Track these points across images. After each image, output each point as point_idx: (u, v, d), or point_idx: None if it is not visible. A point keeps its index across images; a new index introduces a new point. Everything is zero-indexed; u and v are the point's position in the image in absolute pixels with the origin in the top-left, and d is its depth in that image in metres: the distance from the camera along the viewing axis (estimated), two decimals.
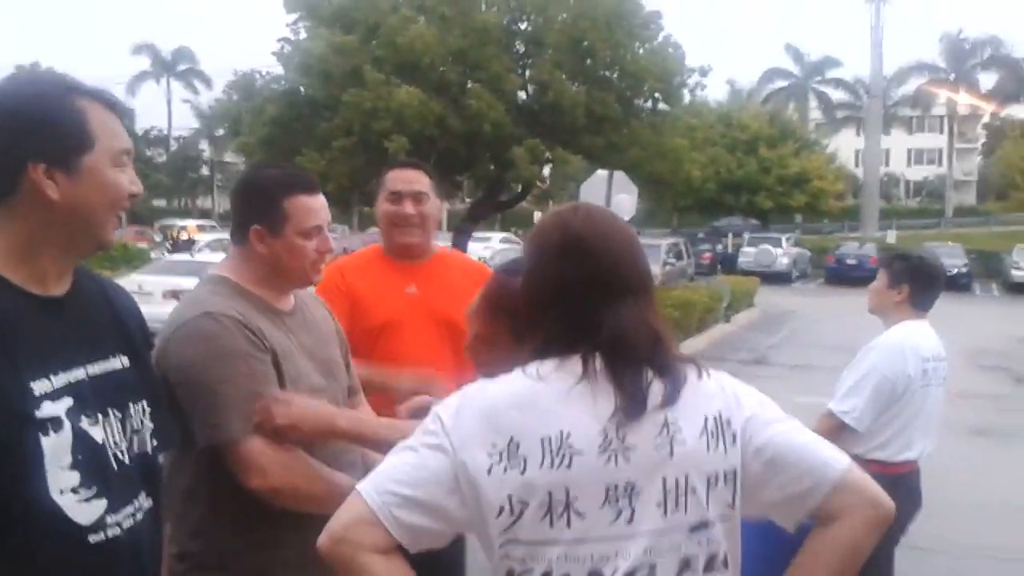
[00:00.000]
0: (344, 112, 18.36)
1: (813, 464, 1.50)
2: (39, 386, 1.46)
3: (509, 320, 1.98)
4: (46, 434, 1.45)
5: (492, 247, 30.91)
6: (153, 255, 22.23)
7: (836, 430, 3.37)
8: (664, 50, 20.26)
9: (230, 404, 2.02)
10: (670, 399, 1.47)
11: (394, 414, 2.37)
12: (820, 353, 14.22)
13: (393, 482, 1.44)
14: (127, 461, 1.61)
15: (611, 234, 1.57)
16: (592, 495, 1.43)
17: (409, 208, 2.99)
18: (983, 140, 67.83)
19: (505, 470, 1.43)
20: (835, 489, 1.48)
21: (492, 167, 19.97)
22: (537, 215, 42.00)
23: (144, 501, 1.65)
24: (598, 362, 1.48)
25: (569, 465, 1.42)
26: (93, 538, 1.51)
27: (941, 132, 64.46)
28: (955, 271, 28.10)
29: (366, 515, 1.42)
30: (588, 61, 19.72)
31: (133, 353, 1.70)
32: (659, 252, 22.70)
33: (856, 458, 1.64)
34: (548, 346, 1.52)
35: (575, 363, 1.48)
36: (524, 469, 1.42)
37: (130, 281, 12.11)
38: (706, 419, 1.49)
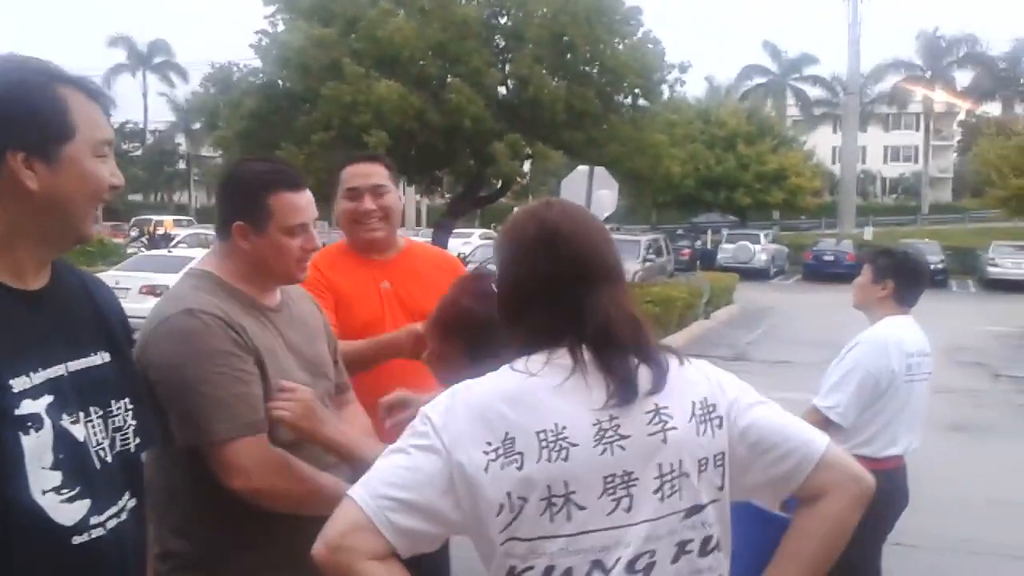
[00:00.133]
0: (323, 106, 18.23)
1: (796, 444, 1.53)
2: (18, 383, 1.41)
3: (461, 340, 2.01)
4: (26, 433, 1.41)
5: (472, 243, 30.89)
6: (129, 251, 22.03)
7: (821, 426, 3.34)
8: (644, 46, 20.26)
9: (211, 404, 1.98)
10: (657, 385, 1.49)
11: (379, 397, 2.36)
12: (799, 349, 14.30)
13: (387, 486, 1.41)
14: (110, 460, 1.57)
15: (585, 224, 1.59)
16: (590, 487, 1.43)
17: (369, 203, 2.90)
18: (959, 138, 68.39)
19: (502, 467, 1.41)
20: (818, 467, 1.52)
21: (472, 162, 19.90)
22: (516, 211, 41.94)
23: (128, 501, 1.61)
24: (586, 353, 1.48)
25: (566, 458, 1.42)
26: (76, 539, 1.47)
27: (917, 129, 65.02)
28: (932, 267, 28.24)
29: (361, 521, 1.39)
30: (568, 56, 19.67)
31: (114, 349, 1.66)
32: (639, 248, 22.72)
33: None
34: (533, 340, 1.52)
35: (563, 356, 1.49)
36: (521, 465, 1.41)
37: (107, 277, 11.97)
38: (693, 404, 1.51)
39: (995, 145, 37.30)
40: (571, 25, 18.82)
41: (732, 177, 38.33)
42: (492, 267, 1.79)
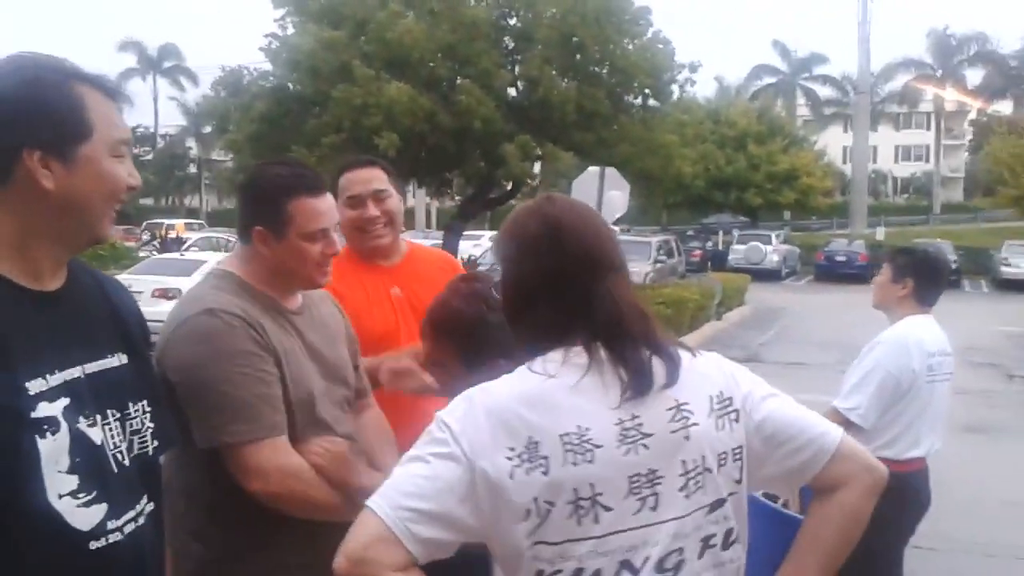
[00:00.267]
0: (333, 108, 18.22)
1: (811, 436, 1.54)
2: (34, 385, 1.39)
3: (452, 342, 2.00)
4: (42, 436, 1.38)
5: (482, 245, 30.86)
6: (141, 254, 22.10)
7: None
8: (654, 46, 20.20)
9: (231, 406, 1.96)
10: (672, 377, 1.48)
11: (403, 414, 2.32)
12: (812, 350, 14.26)
13: (406, 496, 1.38)
14: (127, 463, 1.55)
15: (587, 218, 1.58)
16: (616, 487, 1.41)
17: (372, 209, 2.81)
18: (970, 137, 68.05)
19: (527, 472, 1.39)
20: (833, 459, 1.53)
21: (482, 164, 19.87)
22: None
23: (146, 505, 1.59)
24: (599, 348, 1.47)
25: (591, 460, 1.40)
26: (94, 544, 1.45)
27: (928, 128, 64.74)
28: None
29: (383, 533, 1.36)
30: (578, 57, 19.62)
31: (132, 350, 1.64)
32: (649, 249, 22.67)
33: None
34: (544, 337, 1.50)
35: (578, 354, 1.47)
36: (547, 469, 1.39)
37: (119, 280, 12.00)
38: (710, 399, 1.51)
39: (1007, 144, 37.13)
40: (580, 26, 18.77)
41: (743, 177, 38.24)
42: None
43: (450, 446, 1.40)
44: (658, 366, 1.48)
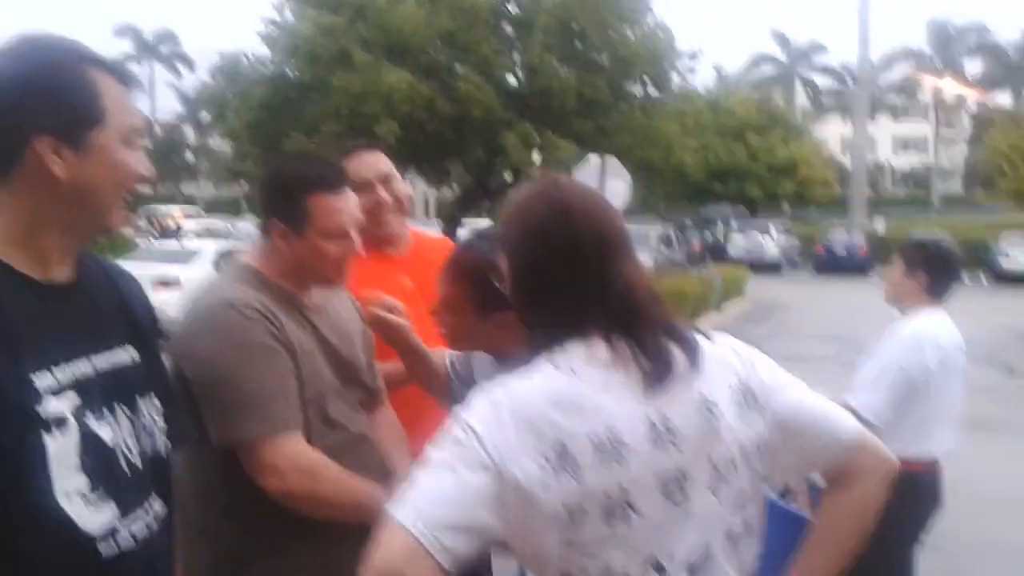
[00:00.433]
0: (332, 96, 18.15)
1: (828, 427, 1.52)
2: (41, 380, 1.34)
3: (470, 286, 1.94)
4: (49, 432, 1.33)
5: None
6: (139, 242, 22.01)
7: None
8: (654, 34, 20.15)
9: (249, 401, 1.92)
10: (693, 364, 1.44)
11: (415, 414, 2.29)
12: (813, 343, 14.24)
13: (437, 507, 1.31)
14: (138, 463, 1.49)
15: (594, 197, 1.54)
16: (647, 488, 1.37)
17: (383, 194, 2.72)
18: (969, 128, 68.02)
19: (558, 478, 1.33)
20: (849, 451, 1.51)
21: (481, 152, 19.82)
22: None
23: (157, 507, 1.54)
24: (618, 338, 1.42)
25: (622, 462, 1.35)
26: (103, 548, 1.39)
27: (926, 119, 64.69)
28: None
29: (415, 547, 1.28)
30: (578, 44, 19.55)
31: (142, 344, 1.58)
32: (649, 240, 22.63)
33: None
34: (557, 325, 1.44)
35: (598, 345, 1.41)
36: (578, 474, 1.34)
37: None
38: (731, 388, 1.47)
39: (1006, 136, 37.13)
40: (580, 12, 18.69)
41: (742, 168, 38.21)
42: None
43: (478, 453, 1.33)
44: (677, 352, 1.43)
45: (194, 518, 1.97)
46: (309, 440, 2.01)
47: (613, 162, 13.53)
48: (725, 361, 1.50)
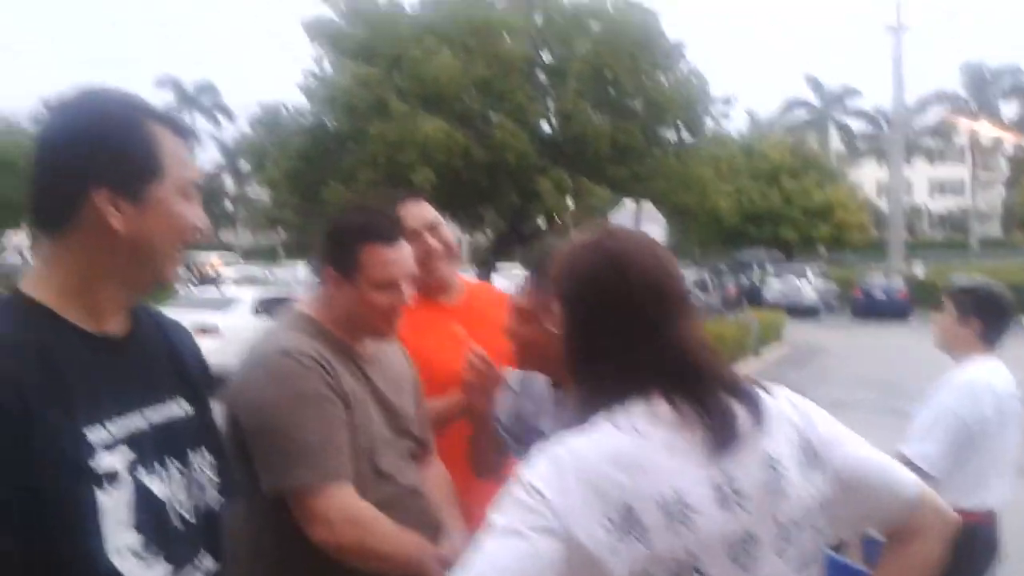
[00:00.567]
0: (369, 145, 18.36)
1: (888, 483, 1.49)
2: (95, 434, 1.32)
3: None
4: (102, 488, 1.31)
5: (514, 280, 30.72)
6: (179, 289, 22.28)
7: None
8: (687, 80, 20.22)
9: (301, 450, 1.91)
10: (756, 422, 1.39)
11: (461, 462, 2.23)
12: (855, 389, 13.97)
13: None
14: (190, 518, 1.47)
15: (653, 250, 1.48)
16: (714, 553, 1.32)
17: (432, 241, 2.72)
18: (1006, 171, 67.30)
19: (625, 543, 1.27)
20: (910, 507, 1.48)
21: (515, 198, 19.90)
22: None
23: (208, 563, 1.51)
24: (680, 399, 1.36)
25: (689, 525, 1.30)
26: None
27: (963, 162, 64.14)
28: None
29: None
30: (611, 91, 19.67)
31: (194, 396, 1.57)
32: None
33: None
34: (614, 385, 1.39)
35: (661, 405, 1.36)
36: (646, 539, 1.28)
37: None
38: (793, 445, 1.43)
39: None
40: (615, 60, 18.82)
41: (776, 212, 37.99)
42: None
43: (547, 519, 1.27)
44: (740, 410, 1.38)
45: (247, 570, 1.95)
46: (360, 492, 1.99)
47: (648, 207, 13.51)
48: (785, 415, 1.45)
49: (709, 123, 21.30)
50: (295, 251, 45.50)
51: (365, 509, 1.96)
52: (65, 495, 1.27)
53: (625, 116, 19.60)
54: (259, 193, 35.42)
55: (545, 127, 20.47)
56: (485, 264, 21.78)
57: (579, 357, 1.46)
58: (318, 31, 20.23)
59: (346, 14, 20.23)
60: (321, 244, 2.16)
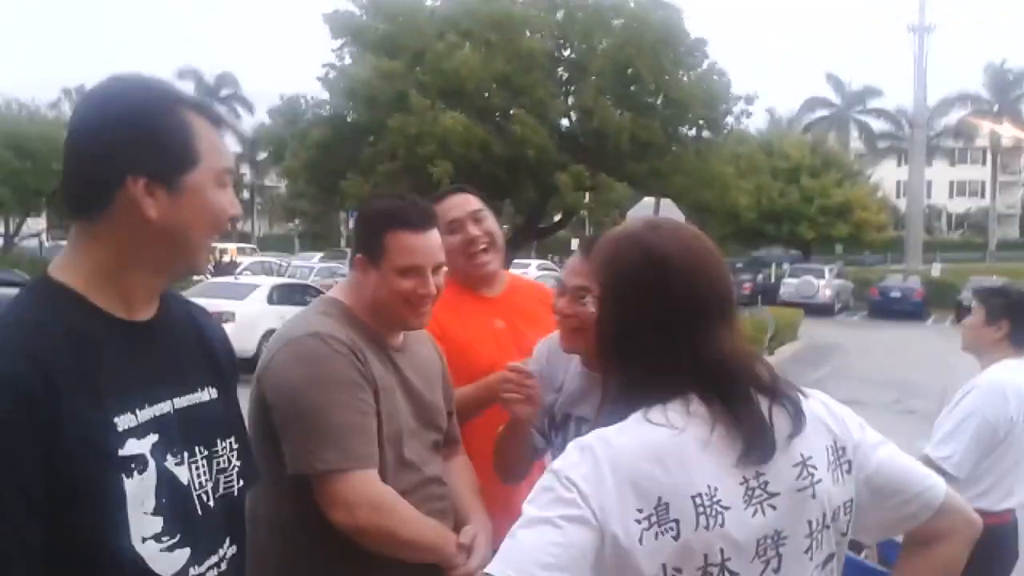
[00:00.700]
0: (389, 137, 18.42)
1: (918, 489, 1.48)
2: (123, 421, 1.32)
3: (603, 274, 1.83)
4: (129, 475, 1.31)
5: (530, 274, 30.80)
6: (194, 277, 22.42)
7: None
8: (709, 77, 20.16)
9: (327, 433, 1.92)
10: (797, 426, 1.38)
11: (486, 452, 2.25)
12: (869, 389, 13.91)
13: (543, 568, 1.24)
14: (212, 504, 1.46)
15: (698, 250, 1.44)
16: (744, 551, 1.32)
17: (474, 229, 2.71)
18: None
19: (657, 536, 1.27)
20: (937, 512, 1.47)
21: (534, 193, 19.93)
22: (575, 242, 41.80)
23: (228, 549, 1.50)
24: (716, 402, 1.35)
25: (722, 524, 1.30)
26: None
27: (984, 164, 63.71)
28: None
29: None
30: (632, 87, 19.64)
31: (221, 384, 1.56)
32: None
33: None
34: (648, 383, 1.38)
35: (698, 405, 1.35)
36: (678, 533, 1.28)
37: None
38: (827, 450, 1.42)
39: None
40: (636, 56, 18.79)
41: (795, 210, 37.81)
42: None
43: (580, 508, 1.27)
44: (780, 416, 1.38)
45: (266, 552, 1.96)
46: (383, 480, 1.99)
47: (667, 203, 13.45)
48: (820, 418, 1.44)
49: (730, 120, 21.24)
50: (311, 241, 45.61)
51: (387, 494, 1.96)
52: (91, 483, 1.27)
53: (645, 112, 19.56)
54: (276, 183, 35.55)
55: (565, 122, 20.47)
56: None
57: (613, 350, 1.44)
58: (340, 24, 20.27)
59: (367, 7, 20.26)
60: (354, 232, 2.19)
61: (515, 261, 24.80)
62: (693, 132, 20.96)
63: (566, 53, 20.79)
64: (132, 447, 1.32)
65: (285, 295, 15.65)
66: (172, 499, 1.37)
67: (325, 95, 20.80)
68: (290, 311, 14.31)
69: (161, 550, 1.34)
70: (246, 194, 67.03)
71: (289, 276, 24.71)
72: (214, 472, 1.49)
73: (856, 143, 59.89)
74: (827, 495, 1.39)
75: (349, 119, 20.22)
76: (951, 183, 69.76)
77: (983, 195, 65.63)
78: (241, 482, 1.56)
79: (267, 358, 2.04)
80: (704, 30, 20.62)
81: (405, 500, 1.99)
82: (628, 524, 1.26)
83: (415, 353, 2.22)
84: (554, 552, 1.24)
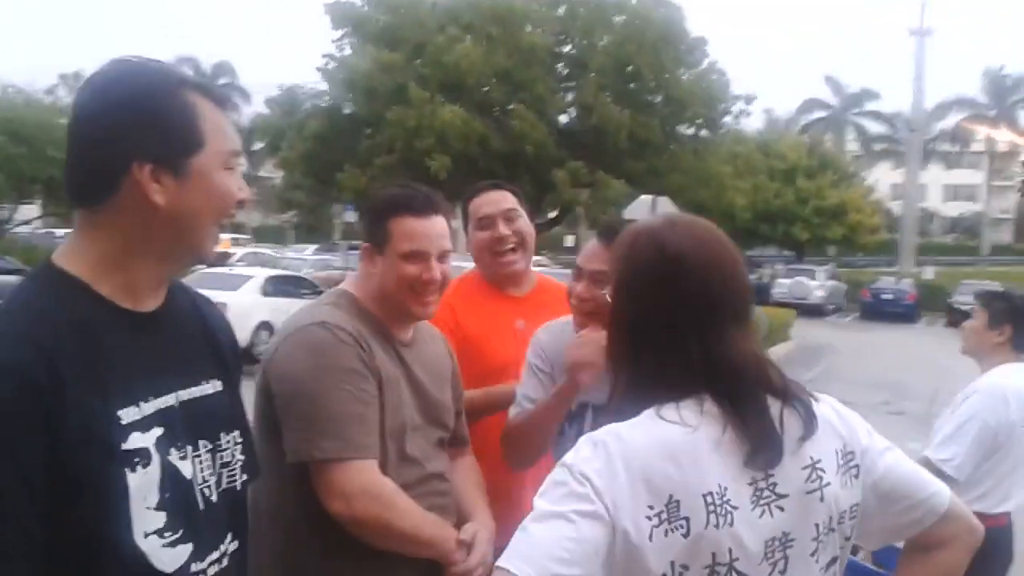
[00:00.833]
0: (387, 129, 18.41)
1: (924, 496, 1.48)
2: (127, 414, 1.29)
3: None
4: (132, 469, 1.28)
5: None
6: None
7: None
8: (708, 76, 20.18)
9: (327, 421, 1.91)
10: (809, 429, 1.38)
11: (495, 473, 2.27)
12: (861, 390, 13.92)
13: (556, 562, 1.23)
14: (215, 499, 1.44)
15: (713, 250, 1.42)
16: (752, 552, 1.32)
17: (503, 228, 2.71)
18: (1022, 178, 67.00)
19: (667, 533, 1.27)
20: (941, 519, 1.48)
21: (531, 188, 19.91)
22: (569, 239, 41.69)
23: (230, 544, 1.48)
24: (727, 405, 1.34)
25: (732, 523, 1.29)
26: None
27: (979, 169, 63.82)
28: None
29: None
30: (632, 85, 19.65)
31: (226, 377, 1.53)
32: None
33: None
34: (658, 382, 1.37)
35: (710, 405, 1.34)
36: (687, 531, 1.27)
37: None
38: (836, 453, 1.42)
39: None
40: (637, 54, 18.80)
41: (790, 211, 37.85)
42: None
43: (594, 503, 1.26)
44: (791, 419, 1.37)
45: (262, 539, 1.93)
46: (384, 473, 1.98)
47: (664, 202, 13.46)
48: (830, 423, 1.44)
49: (728, 120, 21.27)
50: (305, 233, 45.49)
51: (385, 485, 1.95)
52: (94, 475, 1.24)
53: (645, 110, 19.58)
54: (271, 174, 35.43)
55: (564, 119, 20.47)
56: None
57: (625, 345, 1.44)
58: (341, 15, 20.22)
59: None
60: (361, 221, 2.19)
61: None
62: (691, 131, 20.98)
63: (567, 49, 20.79)
64: (136, 440, 1.29)
65: (279, 287, 15.61)
66: (175, 494, 1.34)
67: (323, 86, 20.77)
68: (284, 303, 14.38)
69: (163, 545, 1.31)
70: None
71: (283, 268, 24.66)
72: (218, 466, 1.46)
73: (852, 145, 59.96)
74: (834, 499, 1.39)
75: (347, 111, 20.18)
76: (945, 188, 69.89)
77: (976, 199, 65.80)
78: (244, 476, 1.53)
79: (273, 347, 2.04)
80: (704, 29, 20.63)
81: (405, 493, 1.98)
82: (639, 520, 1.26)
83: (425, 350, 2.21)
84: (568, 547, 1.23)
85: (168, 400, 1.37)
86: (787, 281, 32.51)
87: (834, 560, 1.42)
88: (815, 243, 40.47)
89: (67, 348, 1.25)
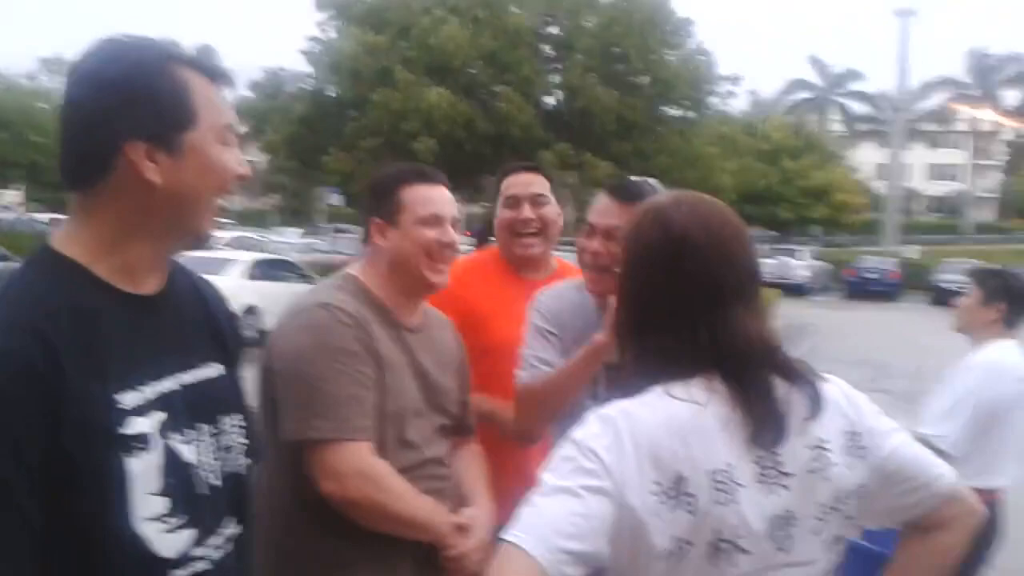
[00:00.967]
0: (372, 112, 18.31)
1: (928, 478, 1.48)
2: (127, 398, 1.27)
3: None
4: (132, 454, 1.26)
5: None
6: None
7: None
8: (695, 58, 20.17)
9: (322, 402, 1.91)
10: (814, 409, 1.38)
11: (500, 451, 2.28)
12: (845, 369, 13.85)
13: (562, 537, 1.23)
14: (217, 483, 1.42)
15: (719, 230, 1.41)
16: (756, 529, 1.32)
17: (527, 211, 2.70)
18: (1006, 157, 67.33)
19: (672, 510, 1.27)
20: (944, 501, 1.48)
21: None
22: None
23: (233, 527, 1.46)
24: (733, 384, 1.35)
25: (736, 500, 1.30)
26: (178, 574, 1.32)
27: (962, 148, 64.12)
28: None
29: (538, 574, 1.21)
30: (619, 66, 19.61)
31: (226, 359, 1.51)
32: None
33: None
34: (665, 362, 1.37)
35: (717, 383, 1.34)
36: (693, 508, 1.28)
37: None
38: (843, 434, 1.42)
39: None
40: (624, 35, 18.76)
41: (776, 191, 37.96)
42: None
43: (602, 479, 1.26)
44: (798, 399, 1.37)
45: (262, 521, 1.93)
46: (381, 457, 1.98)
47: (653, 183, 13.46)
48: (836, 403, 1.44)
49: (714, 101, 21.27)
50: (289, 217, 45.28)
51: (379, 467, 1.94)
52: (94, 461, 1.22)
53: (631, 91, 19.54)
54: (254, 158, 35.25)
55: (550, 101, 20.42)
56: (480, 235, 21.77)
57: (632, 323, 1.45)
58: None
59: None
60: (365, 201, 2.18)
61: (490, 238, 24.79)
62: (678, 112, 20.97)
63: (553, 30, 20.70)
64: (136, 425, 1.27)
65: (265, 271, 15.48)
66: (176, 478, 1.32)
67: (308, 69, 20.63)
68: (270, 287, 14.25)
69: (165, 531, 1.30)
70: None
71: (266, 251, 24.55)
72: (219, 450, 1.44)
73: (836, 125, 60.10)
74: (839, 478, 1.39)
75: (332, 94, 20.07)
76: (930, 167, 70.19)
77: (960, 179, 66.12)
78: (247, 460, 1.51)
79: (277, 327, 2.05)
80: (690, 10, 20.57)
81: (400, 476, 1.97)
82: (645, 496, 1.26)
83: (431, 336, 2.20)
84: (575, 522, 1.24)
85: (169, 384, 1.35)
86: (771, 261, 32.64)
87: (837, 539, 1.43)
88: (799, 223, 40.61)
89: (65, 333, 1.23)
